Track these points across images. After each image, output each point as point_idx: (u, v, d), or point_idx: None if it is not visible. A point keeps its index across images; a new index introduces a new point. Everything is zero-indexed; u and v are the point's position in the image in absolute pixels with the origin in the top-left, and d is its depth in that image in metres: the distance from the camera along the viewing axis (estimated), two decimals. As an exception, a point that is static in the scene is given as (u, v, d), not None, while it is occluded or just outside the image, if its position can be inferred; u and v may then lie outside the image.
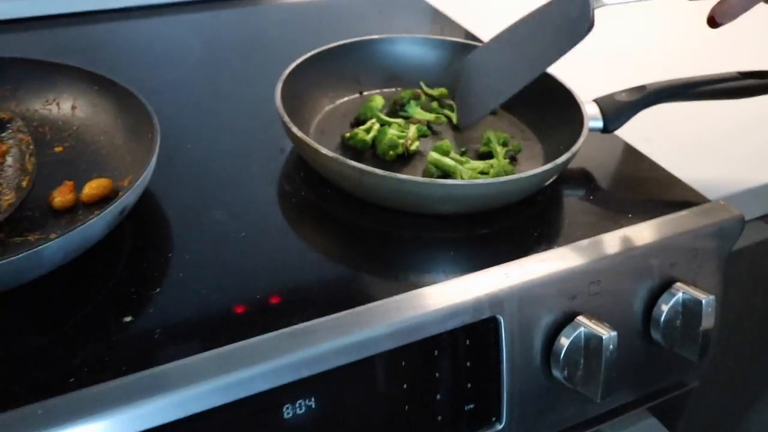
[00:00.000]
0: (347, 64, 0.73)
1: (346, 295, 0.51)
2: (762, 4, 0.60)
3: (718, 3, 0.59)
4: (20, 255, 0.44)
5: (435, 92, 0.74)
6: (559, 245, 0.57)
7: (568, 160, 0.59)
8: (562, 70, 0.70)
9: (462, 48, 0.75)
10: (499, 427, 0.55)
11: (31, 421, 0.40)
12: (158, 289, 0.50)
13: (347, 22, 0.94)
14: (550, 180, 0.62)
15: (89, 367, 0.44)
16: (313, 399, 0.48)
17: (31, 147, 0.57)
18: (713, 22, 0.59)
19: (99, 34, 0.85)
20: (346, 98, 0.73)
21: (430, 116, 0.69)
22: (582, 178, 0.67)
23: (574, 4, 0.59)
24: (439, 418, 0.53)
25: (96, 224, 0.48)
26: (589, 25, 0.58)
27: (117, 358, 0.45)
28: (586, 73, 0.75)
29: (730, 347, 0.78)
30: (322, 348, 0.47)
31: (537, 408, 0.56)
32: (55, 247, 0.46)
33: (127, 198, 0.50)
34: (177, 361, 0.45)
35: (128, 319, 0.48)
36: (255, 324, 0.48)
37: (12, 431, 0.40)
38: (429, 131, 0.68)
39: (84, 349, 0.46)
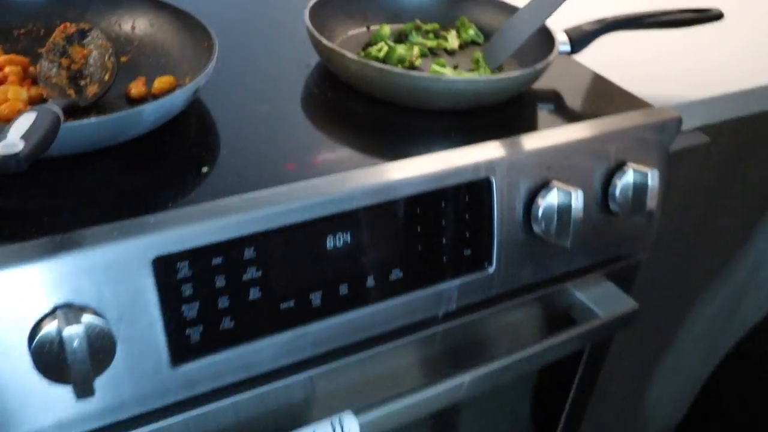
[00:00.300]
0: (356, 1, 0.87)
1: (374, 157, 0.65)
2: None
3: None
4: (125, 112, 0.57)
5: (429, 27, 0.88)
6: (538, 130, 0.71)
7: (545, 67, 0.74)
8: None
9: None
10: (490, 270, 0.69)
11: (145, 226, 0.53)
12: (225, 152, 0.63)
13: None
14: (530, 84, 0.76)
15: (182, 197, 0.57)
16: (349, 233, 0.62)
17: (110, 50, 0.69)
18: None
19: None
20: (356, 30, 0.86)
21: (432, 42, 0.84)
22: (552, 94, 0.81)
23: None
24: (444, 259, 0.67)
25: (179, 96, 0.61)
26: None
27: (201, 192, 0.58)
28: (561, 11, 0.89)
29: (674, 235, 0.94)
30: (357, 190, 0.60)
31: (519, 257, 0.70)
32: (151, 109, 0.58)
33: (200, 80, 0.63)
34: (245, 194, 0.58)
35: (205, 169, 0.61)
36: (304, 175, 0.61)
37: (129, 233, 0.52)
38: (428, 53, 0.83)
39: (175, 186, 0.59)
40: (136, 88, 0.68)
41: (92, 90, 0.66)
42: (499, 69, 0.80)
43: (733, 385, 0.93)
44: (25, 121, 0.48)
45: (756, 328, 0.91)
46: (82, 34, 0.70)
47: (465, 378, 0.70)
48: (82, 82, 0.67)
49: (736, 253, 1.12)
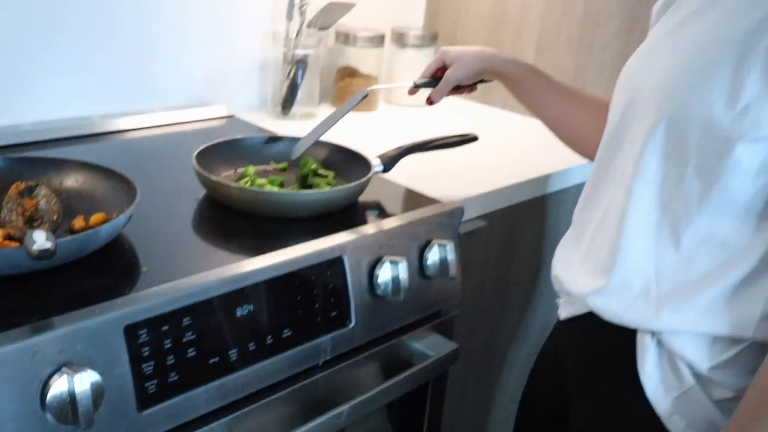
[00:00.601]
0: (225, 151, 1.16)
1: (260, 250, 0.92)
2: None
3: (432, 91, 1.12)
4: (90, 231, 0.82)
5: (280, 166, 1.19)
6: (369, 223, 1.03)
7: (368, 180, 1.07)
8: (361, 144, 1.19)
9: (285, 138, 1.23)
10: (351, 326, 0.98)
11: (116, 305, 0.77)
12: (151, 259, 0.89)
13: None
14: (359, 193, 1.08)
15: (134, 285, 0.82)
16: (251, 304, 0.88)
17: (54, 197, 0.93)
18: (430, 102, 1.12)
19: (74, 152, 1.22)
20: (228, 172, 1.16)
21: (279, 179, 1.14)
22: (374, 202, 1.14)
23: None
24: (318, 319, 0.95)
25: (121, 219, 0.86)
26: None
27: (147, 281, 0.83)
28: (374, 145, 1.24)
29: (479, 298, 1.27)
30: (252, 272, 0.88)
31: (370, 315, 1.00)
32: (105, 228, 0.83)
33: (131, 210, 0.89)
34: (167, 284, 0.83)
35: (145, 269, 0.86)
36: (212, 266, 0.87)
37: (106, 310, 0.76)
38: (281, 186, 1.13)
39: (128, 280, 0.83)
40: (78, 223, 0.92)
41: (46, 227, 0.90)
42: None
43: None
44: (39, 235, 0.71)
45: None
46: (30, 189, 0.94)
47: (344, 407, 0.96)
48: (36, 223, 0.90)
49: (526, 315, 1.48)
